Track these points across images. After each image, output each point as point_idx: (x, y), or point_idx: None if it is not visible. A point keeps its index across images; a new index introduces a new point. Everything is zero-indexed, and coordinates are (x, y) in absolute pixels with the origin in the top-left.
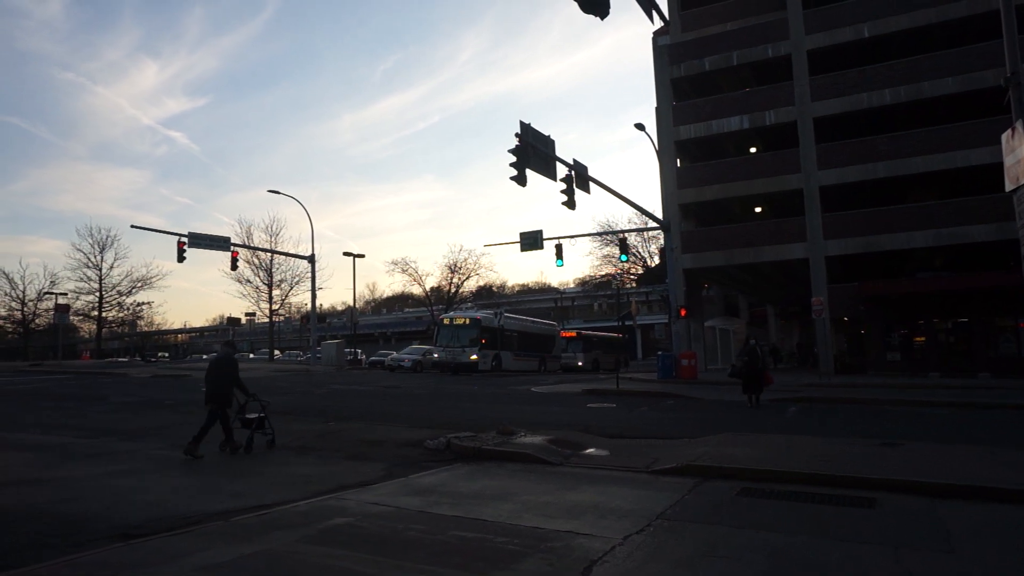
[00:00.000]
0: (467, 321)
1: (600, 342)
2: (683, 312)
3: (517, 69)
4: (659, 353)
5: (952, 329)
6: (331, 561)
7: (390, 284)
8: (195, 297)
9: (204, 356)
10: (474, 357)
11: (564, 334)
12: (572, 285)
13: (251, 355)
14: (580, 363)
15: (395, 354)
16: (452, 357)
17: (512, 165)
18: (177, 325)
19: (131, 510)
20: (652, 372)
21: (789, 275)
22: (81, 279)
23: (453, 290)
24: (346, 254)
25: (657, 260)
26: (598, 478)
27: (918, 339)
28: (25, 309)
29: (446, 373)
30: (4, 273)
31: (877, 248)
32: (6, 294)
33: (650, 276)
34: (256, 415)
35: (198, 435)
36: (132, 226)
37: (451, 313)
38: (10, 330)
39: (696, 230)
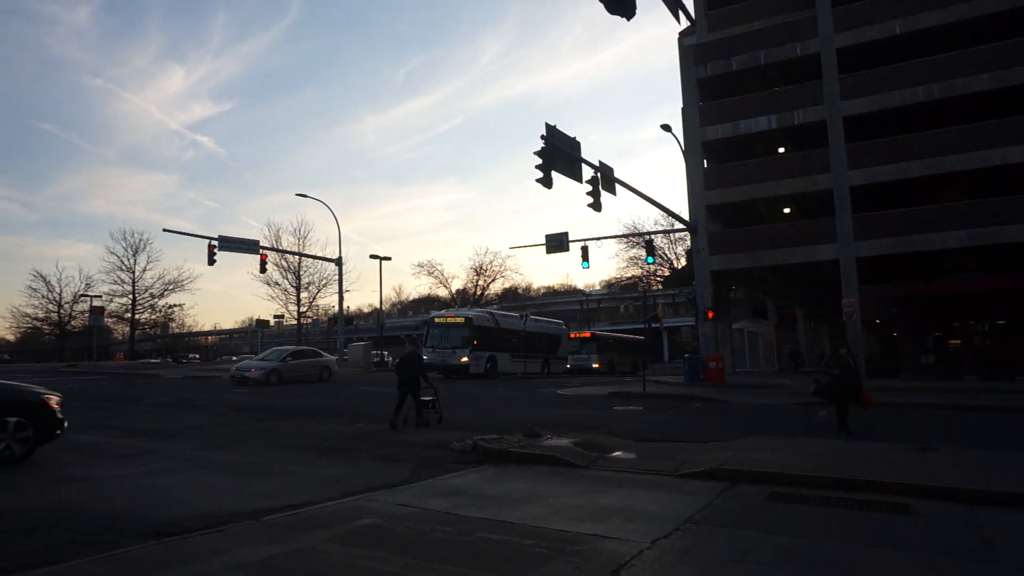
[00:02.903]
0: (458, 320)
1: (616, 343)
2: (710, 314)
3: (539, 70)
4: (686, 356)
5: (988, 332)
6: (360, 561)
7: (416, 287)
8: (225, 300)
9: (234, 357)
10: (464, 359)
11: (576, 335)
12: (598, 287)
13: None
14: (595, 365)
15: (246, 360)
16: (441, 359)
17: (538, 167)
18: (207, 327)
19: (165, 508)
20: (679, 375)
21: (818, 277)
22: (115, 282)
23: (479, 292)
24: (373, 257)
25: (684, 262)
26: (625, 481)
27: (953, 342)
28: (61, 311)
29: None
30: (41, 276)
31: (910, 249)
32: (43, 296)
33: (676, 278)
34: (430, 398)
35: (395, 410)
36: (164, 229)
37: (441, 311)
38: (47, 332)
39: (723, 231)
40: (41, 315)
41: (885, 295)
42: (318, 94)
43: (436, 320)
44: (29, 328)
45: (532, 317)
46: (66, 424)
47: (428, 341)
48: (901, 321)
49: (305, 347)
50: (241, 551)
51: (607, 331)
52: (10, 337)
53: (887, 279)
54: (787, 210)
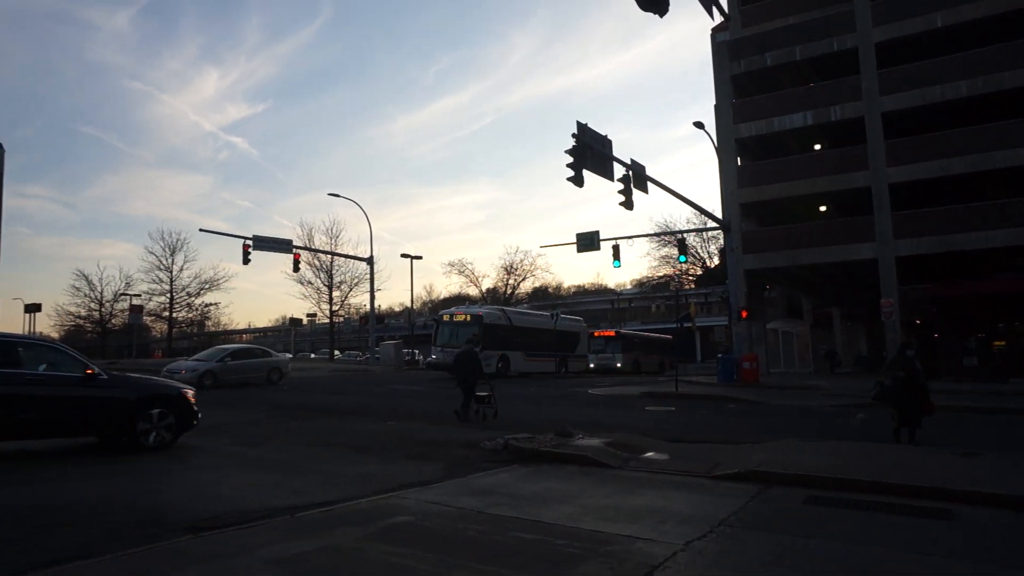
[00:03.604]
0: (467, 318)
1: (641, 342)
2: (744, 314)
3: (570, 68)
4: (719, 356)
5: None
6: (393, 559)
7: (447, 285)
8: (258, 298)
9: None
10: None
11: (600, 333)
12: (629, 286)
13: (312, 355)
14: (619, 364)
15: (180, 360)
16: (450, 359)
17: (569, 166)
18: (242, 325)
19: (202, 503)
20: (711, 375)
21: (856, 276)
22: (154, 281)
23: (509, 291)
24: (404, 256)
25: (717, 261)
26: (658, 482)
27: (997, 343)
28: (103, 309)
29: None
30: (84, 275)
31: (952, 248)
32: (85, 295)
33: (709, 277)
34: (486, 393)
35: (463, 404)
36: (200, 229)
37: (451, 309)
38: (89, 329)
39: (757, 230)
40: (84, 313)
41: (925, 295)
42: (349, 94)
43: (445, 318)
44: (72, 326)
45: (548, 314)
46: (200, 415)
47: (437, 340)
48: (942, 322)
49: (252, 345)
50: (277, 546)
51: (635, 330)
52: (54, 334)
53: (929, 279)
54: (823, 208)
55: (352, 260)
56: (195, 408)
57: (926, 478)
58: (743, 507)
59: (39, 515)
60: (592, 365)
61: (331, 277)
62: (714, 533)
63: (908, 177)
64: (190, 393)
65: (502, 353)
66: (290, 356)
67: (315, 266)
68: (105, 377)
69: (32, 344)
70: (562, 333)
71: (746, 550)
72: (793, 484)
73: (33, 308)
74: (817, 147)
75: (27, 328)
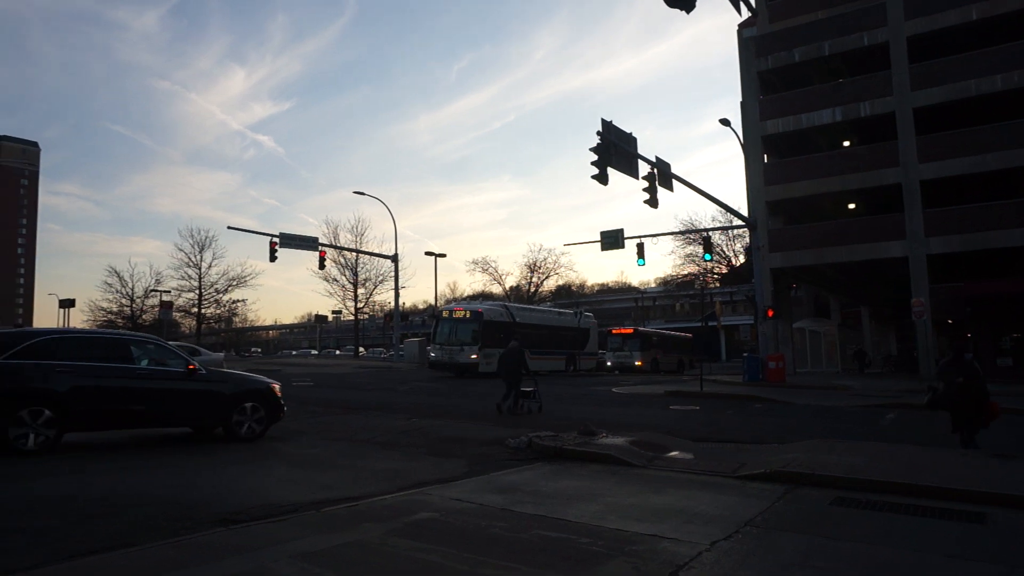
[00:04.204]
0: (467, 314)
1: (660, 340)
2: (770, 313)
3: (593, 65)
4: (745, 355)
5: None
6: (418, 554)
7: (471, 283)
8: (284, 295)
9: (294, 352)
10: (474, 356)
11: (617, 331)
12: (653, 285)
13: (337, 351)
14: (637, 363)
15: None
16: (449, 356)
17: (593, 163)
18: (268, 322)
19: (232, 497)
20: (737, 374)
21: (885, 275)
22: (183, 277)
23: (532, 289)
24: (428, 254)
25: (742, 259)
26: (683, 482)
27: None
28: (134, 305)
29: (446, 375)
30: (116, 272)
31: (986, 246)
32: (117, 291)
33: (735, 276)
34: (531, 389)
35: (503, 399)
36: (229, 227)
37: (450, 305)
38: (120, 325)
39: (784, 228)
40: (115, 309)
41: (958, 294)
42: (373, 93)
43: (444, 315)
44: (104, 321)
45: (555, 310)
46: (285, 408)
47: (436, 337)
48: (975, 321)
49: (159, 342)
50: (305, 540)
51: (657, 328)
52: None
53: (961, 277)
54: (852, 206)
55: (377, 258)
56: (281, 402)
57: (959, 480)
58: (770, 507)
59: (68, 505)
60: (609, 363)
61: (356, 275)
62: (740, 534)
63: (940, 174)
64: (277, 387)
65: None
66: (222, 356)
67: (341, 264)
68: (204, 372)
69: (141, 342)
70: (571, 329)
71: (773, 551)
72: (821, 485)
73: (67, 303)
74: (846, 144)
75: (61, 323)
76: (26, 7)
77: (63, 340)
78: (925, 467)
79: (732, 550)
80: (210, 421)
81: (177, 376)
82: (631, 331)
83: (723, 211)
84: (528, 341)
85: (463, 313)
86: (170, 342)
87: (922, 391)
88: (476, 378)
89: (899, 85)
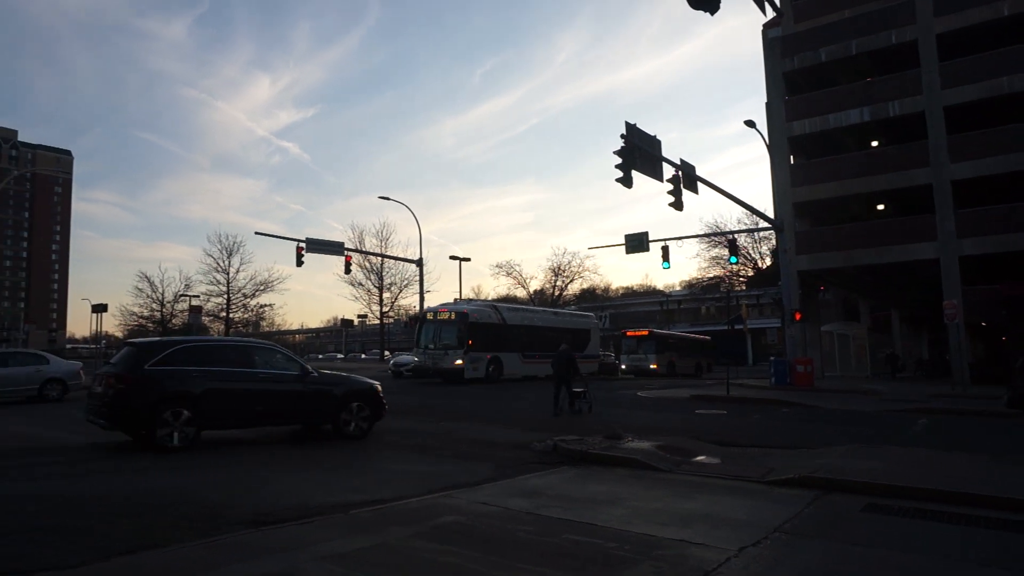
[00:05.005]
0: (452, 315)
1: (677, 343)
2: (798, 316)
3: (616, 67)
4: (772, 359)
5: None
6: (444, 557)
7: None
8: (310, 300)
9: (320, 356)
10: (459, 362)
11: (632, 333)
12: (678, 288)
13: (363, 355)
14: (652, 366)
15: None
16: (432, 362)
17: (618, 167)
18: (295, 326)
19: (261, 498)
20: (763, 378)
21: (916, 277)
22: (211, 282)
23: (557, 293)
24: (452, 258)
25: (769, 261)
26: (710, 487)
27: None
28: (164, 310)
29: (433, 381)
30: (146, 277)
31: (1021, 246)
32: (148, 296)
33: (761, 278)
34: (581, 389)
35: (555, 401)
36: (256, 232)
37: (435, 306)
38: (151, 329)
39: (811, 230)
40: (146, 313)
41: (992, 296)
42: (397, 98)
43: (429, 316)
44: (136, 326)
45: (551, 310)
46: (387, 407)
47: (420, 340)
48: (1011, 324)
49: (16, 349)
50: (332, 542)
51: (674, 331)
52: (118, 334)
53: (996, 279)
54: (881, 207)
55: (402, 262)
56: (384, 401)
57: (994, 487)
58: (799, 514)
59: (93, 505)
60: (623, 367)
61: (381, 279)
62: (769, 540)
63: (972, 173)
64: (379, 387)
65: (493, 355)
66: (80, 365)
67: (366, 268)
68: (316, 375)
69: (261, 347)
70: (569, 331)
71: (802, 558)
72: (851, 491)
73: (100, 308)
74: (874, 144)
75: (94, 328)
76: (59, 19)
77: (196, 348)
78: (960, 473)
79: (760, 556)
80: (321, 420)
81: (292, 379)
82: (646, 333)
83: (749, 213)
84: (520, 344)
85: (447, 314)
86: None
87: (956, 396)
88: (462, 384)
89: (929, 83)
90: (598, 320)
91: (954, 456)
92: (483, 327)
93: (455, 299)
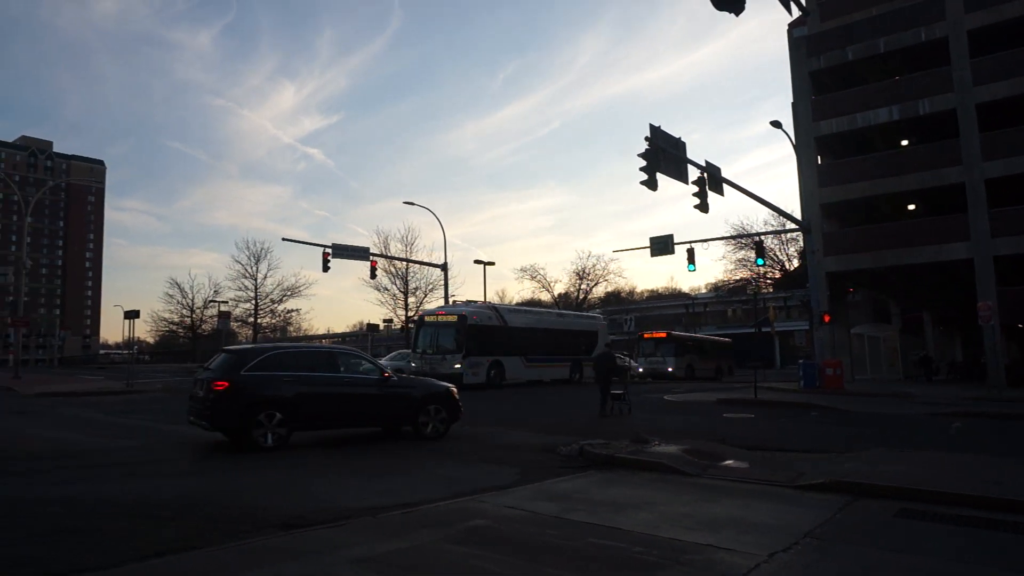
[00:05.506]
0: (450, 319)
1: (696, 345)
2: (826, 318)
3: (638, 69)
4: (800, 361)
5: None
6: (473, 561)
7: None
8: (336, 304)
9: None
10: (457, 366)
11: (648, 335)
12: (704, 290)
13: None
14: (670, 369)
15: None
16: (430, 367)
17: (642, 169)
18: (321, 331)
19: (290, 501)
20: (791, 381)
21: (949, 277)
22: (240, 288)
23: (581, 296)
24: (477, 262)
25: (796, 263)
26: (738, 491)
27: None
28: (193, 315)
29: None
30: (177, 283)
31: None
32: (178, 302)
33: (788, 280)
34: (620, 391)
35: (602, 403)
36: (283, 239)
37: (433, 308)
38: (181, 335)
39: (840, 231)
40: (176, 319)
41: None
42: (419, 103)
43: (427, 319)
44: (166, 331)
45: (556, 311)
46: (463, 409)
47: (417, 343)
48: None
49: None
50: (362, 546)
51: (722, 336)
52: (149, 340)
53: None
54: (911, 207)
55: (427, 267)
56: (460, 404)
57: None
58: (830, 519)
59: (113, 508)
60: (640, 370)
61: (406, 283)
62: (799, 545)
63: (1006, 171)
64: (454, 391)
65: (494, 359)
66: None
67: (391, 273)
68: (395, 379)
69: (344, 353)
70: (574, 333)
71: (835, 564)
72: (883, 496)
73: (132, 314)
74: (904, 143)
75: (127, 334)
76: (90, 32)
77: (285, 354)
78: (998, 479)
79: (791, 562)
80: (400, 422)
81: (374, 383)
82: (664, 335)
83: (775, 214)
84: (523, 347)
85: (446, 317)
86: None
87: (991, 399)
88: (462, 390)
89: (960, 81)
90: (622, 320)
91: (991, 460)
92: (483, 330)
93: (464, 300)
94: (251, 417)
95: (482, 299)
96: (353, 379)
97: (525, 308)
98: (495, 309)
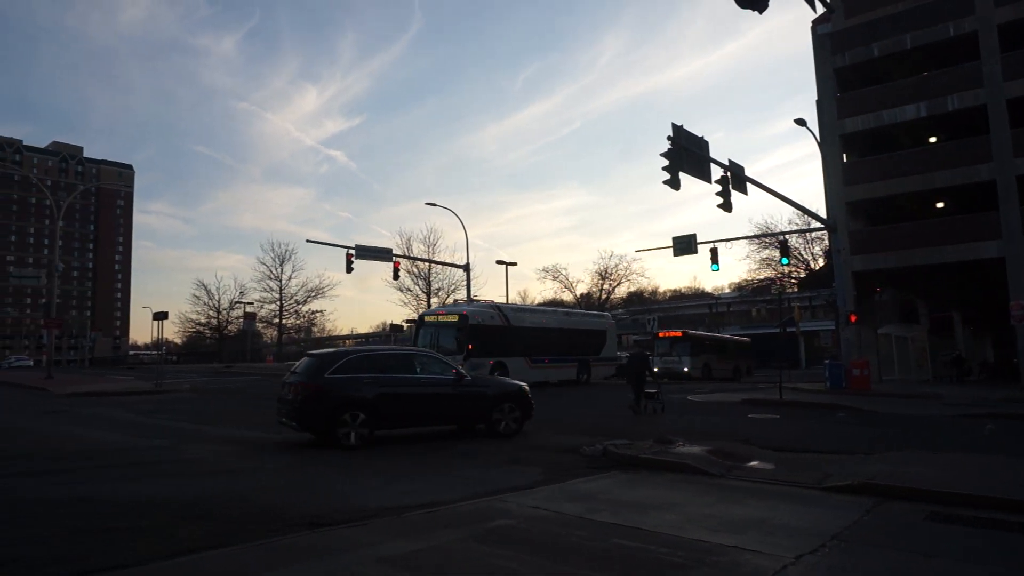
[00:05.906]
0: (451, 318)
1: (714, 345)
2: (853, 318)
3: (660, 68)
4: (827, 362)
5: None
6: (497, 561)
7: (541, 291)
8: (359, 305)
9: None
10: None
11: (664, 333)
12: (728, 290)
13: None
14: (686, 369)
15: None
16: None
17: (664, 169)
18: (345, 331)
19: (315, 501)
20: (817, 382)
21: (979, 276)
22: (265, 290)
23: (604, 296)
24: (499, 262)
25: (821, 262)
26: (763, 492)
27: None
28: (220, 317)
29: None
30: (203, 285)
31: None
32: (204, 304)
33: (814, 279)
34: (654, 391)
35: (635, 401)
36: (307, 240)
37: (435, 308)
38: (208, 335)
39: (866, 229)
40: (203, 320)
41: None
42: (440, 105)
43: (427, 319)
44: (193, 332)
45: (563, 310)
46: (535, 407)
47: (418, 343)
48: None
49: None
50: (386, 545)
51: (744, 336)
52: (177, 341)
53: None
54: (940, 205)
55: (449, 267)
56: (532, 401)
57: None
58: (857, 521)
59: (140, 507)
60: (656, 369)
61: (429, 284)
62: (826, 547)
63: None
64: (527, 389)
65: (497, 360)
66: None
67: (414, 274)
68: (469, 378)
69: (420, 355)
70: (582, 332)
71: (863, 567)
72: (912, 498)
73: (161, 316)
74: (932, 140)
75: (155, 335)
76: (117, 40)
77: (367, 357)
78: None
79: (818, 565)
80: (475, 420)
81: (447, 383)
82: (679, 334)
83: (800, 213)
84: (527, 348)
85: (446, 317)
86: None
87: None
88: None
89: (990, 76)
90: (645, 320)
91: (1021, 462)
92: (485, 330)
93: (472, 300)
94: (336, 418)
95: (504, 299)
96: (430, 379)
97: (530, 307)
98: (498, 308)
